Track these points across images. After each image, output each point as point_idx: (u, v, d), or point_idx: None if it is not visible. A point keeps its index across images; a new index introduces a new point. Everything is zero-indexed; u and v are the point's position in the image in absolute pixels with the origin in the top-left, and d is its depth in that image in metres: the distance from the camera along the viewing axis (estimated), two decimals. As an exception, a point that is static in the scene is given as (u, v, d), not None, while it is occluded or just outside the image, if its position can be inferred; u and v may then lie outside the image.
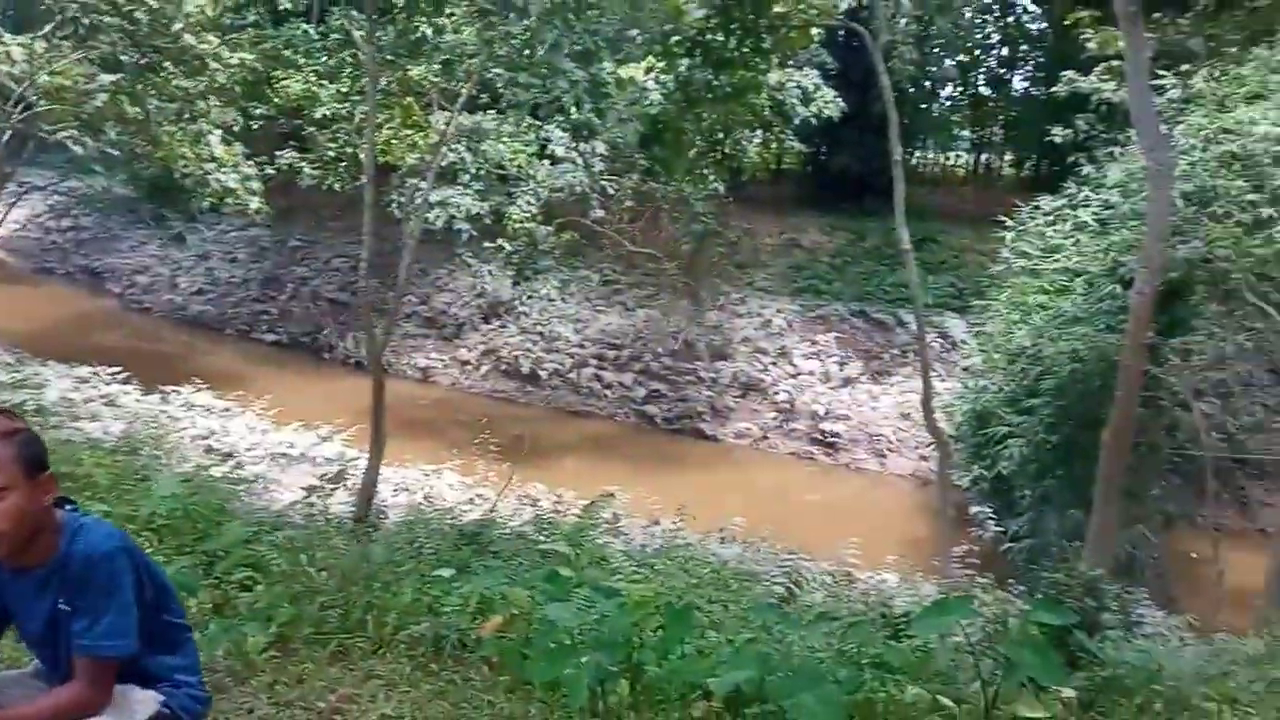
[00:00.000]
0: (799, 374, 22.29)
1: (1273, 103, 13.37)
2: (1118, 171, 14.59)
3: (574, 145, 19.62)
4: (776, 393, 21.81)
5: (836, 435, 20.72)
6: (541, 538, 8.04)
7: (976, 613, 3.76)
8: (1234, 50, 14.10)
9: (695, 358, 22.66)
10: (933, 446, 17.40)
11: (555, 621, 3.45)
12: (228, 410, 18.11)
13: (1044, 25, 30.81)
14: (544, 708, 3.02)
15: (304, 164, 18.18)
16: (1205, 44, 14.16)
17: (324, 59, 14.91)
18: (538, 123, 19.04)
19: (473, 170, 18.94)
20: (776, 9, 12.48)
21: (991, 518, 14.70)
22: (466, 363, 24.15)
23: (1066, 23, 15.39)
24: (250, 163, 17.51)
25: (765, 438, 21.21)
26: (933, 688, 3.61)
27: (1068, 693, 3.53)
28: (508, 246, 20.16)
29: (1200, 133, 13.61)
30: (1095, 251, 14.12)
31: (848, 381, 22.06)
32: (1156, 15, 13.04)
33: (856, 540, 12.09)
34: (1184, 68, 13.93)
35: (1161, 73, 13.67)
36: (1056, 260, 14.81)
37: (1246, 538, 15.73)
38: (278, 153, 18.82)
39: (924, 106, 28.81)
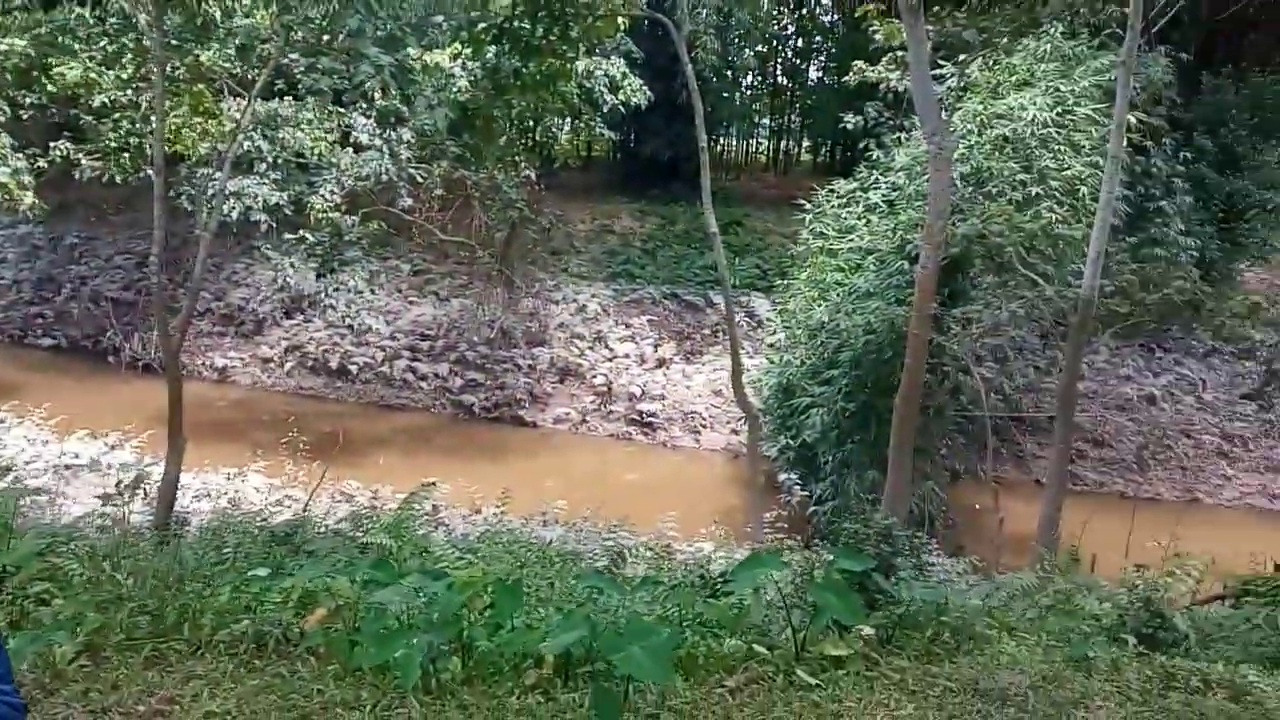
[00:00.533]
0: (615, 357, 22.63)
1: (1039, 89, 14.63)
2: (904, 155, 15.57)
3: (379, 132, 19.09)
4: (594, 376, 22.07)
5: (653, 415, 21.19)
6: (359, 534, 7.88)
7: (785, 564, 4.02)
8: (1005, 41, 15.35)
9: (512, 345, 22.59)
10: (743, 420, 18.12)
11: (384, 606, 3.44)
12: (2, 421, 16.65)
13: (835, 17, 32.44)
14: (376, 691, 3.01)
15: (81, 155, 16.82)
16: (979, 35, 15.31)
17: (103, 44, 13.81)
18: (340, 110, 18.39)
19: (270, 159, 18.10)
20: (581, -3, 12.59)
21: (798, 484, 15.49)
22: (269, 360, 23.10)
23: (856, 15, 16.27)
24: (20, 155, 16.07)
25: (585, 421, 21.43)
26: (749, 639, 3.84)
27: (868, 630, 3.84)
28: (310, 237, 19.42)
29: (976, 118, 14.73)
30: (885, 231, 15.04)
31: (662, 362, 22.58)
32: (936, 8, 14.05)
33: (674, 514, 12.50)
34: (961, 58, 15.02)
35: (941, 62, 14.71)
36: (851, 240, 15.69)
37: (1023, 488, 17.24)
38: (51, 144, 17.32)
39: (726, 95, 29.70)
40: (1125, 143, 13.45)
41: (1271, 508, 18.77)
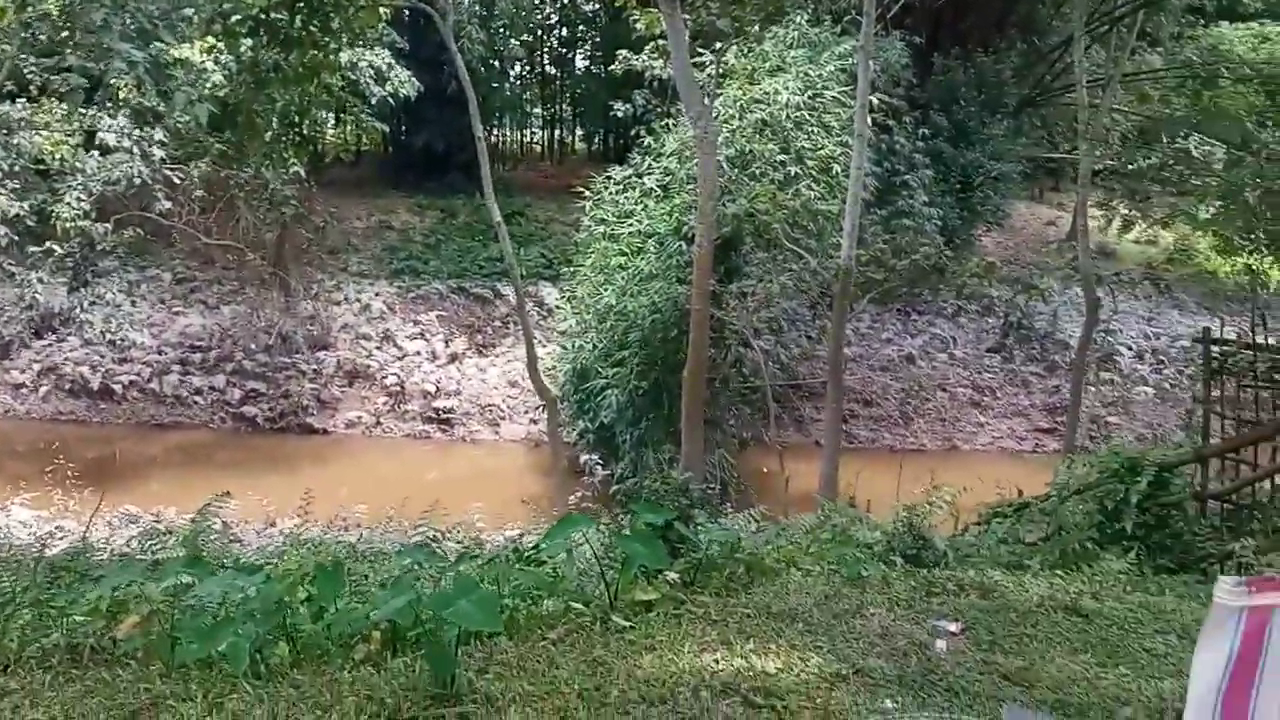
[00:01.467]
0: (405, 355, 22.27)
1: (791, 74, 15.66)
2: (673, 141, 16.28)
3: (129, 132, 17.85)
4: (385, 377, 21.64)
5: (450, 411, 21.05)
6: (150, 554, 7.53)
7: (594, 521, 4.30)
8: (756, 29, 16.34)
9: (293, 351, 21.76)
10: (541, 409, 18.42)
11: (202, 602, 3.43)
12: None
13: (597, 7, 33.08)
14: (205, 683, 3.03)
15: None
16: (733, 24, 16.18)
17: None
18: (84, 110, 17.05)
19: (5, 166, 16.57)
20: (342, -12, 12.36)
21: (600, 464, 15.96)
22: (20, 385, 21.13)
23: (617, 5, 16.77)
24: None
25: (378, 423, 21.00)
26: (566, 598, 4.10)
27: (673, 575, 4.19)
28: (59, 249, 17.95)
29: (736, 103, 15.61)
30: (662, 214, 15.69)
31: (455, 358, 22.44)
32: (690, -1, 14.74)
33: (480, 507, 12.60)
34: (718, 46, 15.84)
35: (700, 50, 15.46)
36: (630, 224, 16.25)
37: (805, 450, 18.42)
38: None
39: (496, 85, 29.70)
40: (870, 122, 14.72)
41: (1019, 448, 20.98)
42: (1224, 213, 18.92)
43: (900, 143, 19.87)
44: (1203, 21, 27.05)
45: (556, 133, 37.33)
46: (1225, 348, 6.80)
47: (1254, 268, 21.61)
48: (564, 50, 35.23)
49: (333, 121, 24.40)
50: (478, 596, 2.82)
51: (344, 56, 17.98)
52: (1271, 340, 6.69)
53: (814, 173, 15.39)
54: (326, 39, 12.90)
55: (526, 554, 4.86)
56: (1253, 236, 19.18)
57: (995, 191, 23.30)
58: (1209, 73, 23.85)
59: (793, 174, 15.11)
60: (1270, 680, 1.28)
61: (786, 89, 15.32)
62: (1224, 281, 24.98)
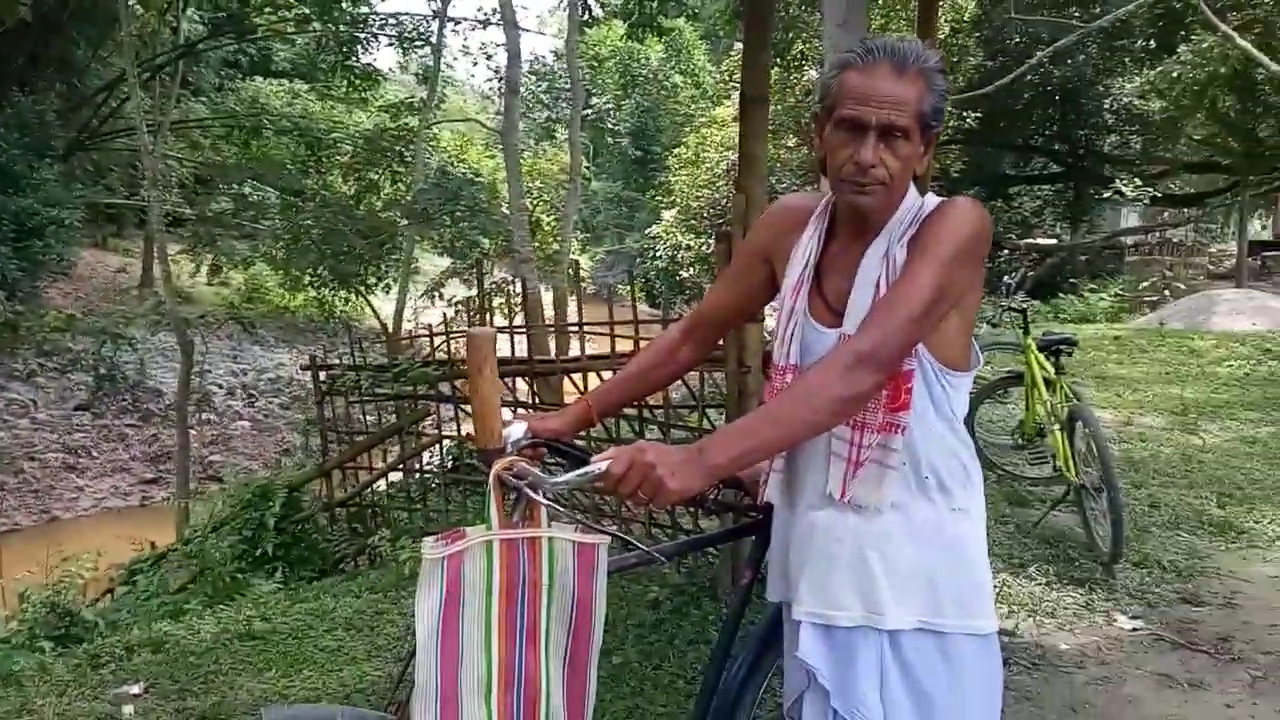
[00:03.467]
0: None
1: None
2: None
3: None
4: None
5: None
6: None
7: None
8: None
9: None
10: None
11: None
12: None
13: None
14: None
15: None
16: None
17: None
18: None
19: None
20: None
21: None
22: None
23: None
24: None
25: None
26: None
27: None
28: None
29: None
30: None
31: None
32: None
33: None
34: None
35: None
36: None
37: None
38: None
39: None
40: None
41: (127, 504, 19.94)
42: (289, 252, 20.79)
43: None
44: (240, 75, 29.25)
45: None
46: (332, 372, 7.62)
47: (324, 300, 24.04)
48: None
49: None
50: None
51: None
52: (374, 359, 7.72)
53: None
54: None
55: None
56: (319, 273, 21.37)
57: (57, 240, 21.78)
58: (253, 124, 25.97)
59: None
60: (469, 608, 1.61)
61: None
62: (297, 315, 27.47)
